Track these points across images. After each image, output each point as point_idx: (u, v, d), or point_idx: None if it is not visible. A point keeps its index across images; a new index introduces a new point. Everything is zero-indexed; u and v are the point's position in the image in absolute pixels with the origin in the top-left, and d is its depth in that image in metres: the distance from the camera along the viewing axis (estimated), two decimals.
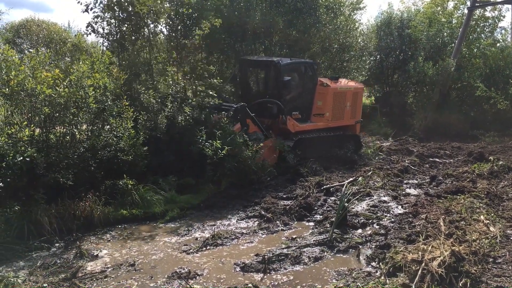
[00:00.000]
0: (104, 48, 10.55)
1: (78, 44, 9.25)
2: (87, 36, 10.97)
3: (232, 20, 14.92)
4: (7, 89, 7.26)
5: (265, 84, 12.88)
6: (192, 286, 5.33)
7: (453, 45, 19.84)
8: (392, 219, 7.78)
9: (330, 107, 12.68)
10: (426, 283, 4.87)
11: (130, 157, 8.45)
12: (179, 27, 14.89)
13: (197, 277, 5.67)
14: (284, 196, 9.19)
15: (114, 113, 8.33)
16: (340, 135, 13.07)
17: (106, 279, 5.64)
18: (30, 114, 7.51)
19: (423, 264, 5.12)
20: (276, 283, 5.53)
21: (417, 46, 20.16)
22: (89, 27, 10.30)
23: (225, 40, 15.67)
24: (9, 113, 7.54)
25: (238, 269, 5.92)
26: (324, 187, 9.47)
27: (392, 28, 20.54)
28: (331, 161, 11.96)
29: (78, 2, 10.22)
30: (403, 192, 9.52)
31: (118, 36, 10.25)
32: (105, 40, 10.53)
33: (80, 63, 8.14)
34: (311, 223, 7.78)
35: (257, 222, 7.83)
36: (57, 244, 6.81)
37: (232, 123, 10.29)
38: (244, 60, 13.30)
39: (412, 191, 9.74)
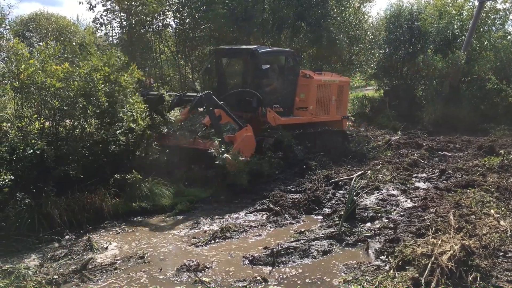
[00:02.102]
0: (113, 40, 10.58)
1: (89, 36, 9.21)
2: (97, 30, 11.04)
3: (239, 13, 14.85)
4: (17, 82, 7.32)
5: (243, 75, 11.98)
6: (201, 278, 5.35)
7: (463, 37, 19.65)
8: (401, 213, 7.74)
9: (314, 100, 11.91)
10: (436, 277, 4.83)
11: (140, 148, 8.48)
12: (187, 20, 14.90)
13: (206, 269, 5.69)
14: (293, 189, 9.18)
15: (124, 107, 8.33)
16: (326, 131, 12.24)
17: (115, 271, 5.68)
18: (40, 107, 7.56)
19: (433, 258, 5.08)
20: (284, 276, 5.53)
21: (427, 38, 19.96)
22: (96, 21, 10.39)
23: (233, 33, 15.61)
24: (19, 106, 7.59)
25: (246, 262, 5.93)
26: (333, 180, 9.43)
27: (401, 21, 20.33)
28: (339, 155, 11.88)
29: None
30: (412, 186, 9.46)
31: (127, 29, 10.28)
32: (116, 33, 10.59)
33: (90, 56, 8.16)
34: (320, 217, 7.76)
35: (265, 215, 7.82)
36: (67, 237, 6.87)
37: (202, 115, 9.43)
38: (220, 50, 12.25)
39: (421, 184, 9.66)
